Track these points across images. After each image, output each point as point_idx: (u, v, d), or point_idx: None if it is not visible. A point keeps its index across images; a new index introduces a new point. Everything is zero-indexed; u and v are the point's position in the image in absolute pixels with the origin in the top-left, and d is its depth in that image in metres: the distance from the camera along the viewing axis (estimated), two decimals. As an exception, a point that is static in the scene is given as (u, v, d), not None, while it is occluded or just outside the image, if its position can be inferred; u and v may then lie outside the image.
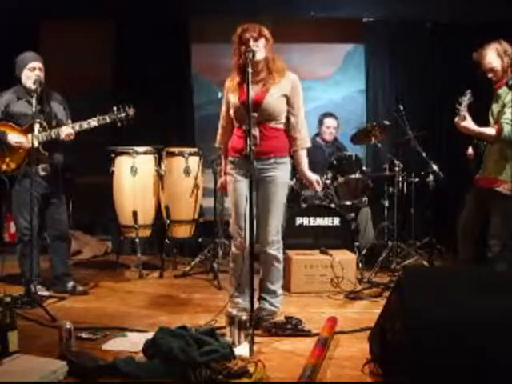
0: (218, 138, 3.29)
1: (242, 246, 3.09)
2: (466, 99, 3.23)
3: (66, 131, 3.67)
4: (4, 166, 3.71)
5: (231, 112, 3.11)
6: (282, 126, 3.08)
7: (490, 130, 3.25)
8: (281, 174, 3.08)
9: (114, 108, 3.78)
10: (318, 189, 3.30)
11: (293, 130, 3.10)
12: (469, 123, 3.22)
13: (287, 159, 3.12)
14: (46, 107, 3.75)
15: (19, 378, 2.21)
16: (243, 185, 3.07)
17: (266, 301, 3.17)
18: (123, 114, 3.78)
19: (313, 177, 3.23)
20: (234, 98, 3.08)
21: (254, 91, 2.92)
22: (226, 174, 3.24)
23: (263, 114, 2.97)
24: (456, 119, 3.26)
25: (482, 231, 3.41)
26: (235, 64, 3.04)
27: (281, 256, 3.17)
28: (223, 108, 3.22)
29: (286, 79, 3.05)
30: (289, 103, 3.07)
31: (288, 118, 3.08)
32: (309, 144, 3.20)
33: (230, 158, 3.16)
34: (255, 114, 2.91)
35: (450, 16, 5.62)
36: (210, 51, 5.91)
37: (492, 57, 3.27)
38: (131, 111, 3.80)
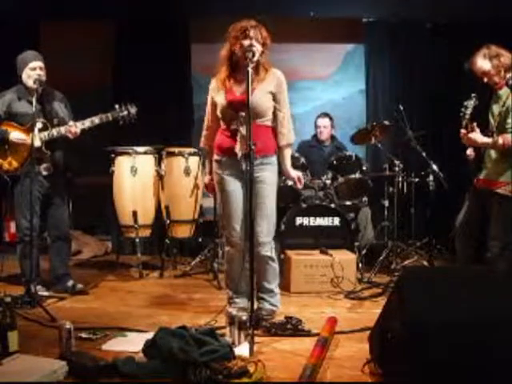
0: (203, 139, 3.28)
1: (238, 246, 3.09)
2: (471, 103, 3.24)
3: (71, 129, 3.68)
4: (6, 165, 3.71)
5: (218, 112, 3.10)
6: (269, 123, 3.10)
7: (499, 142, 3.22)
8: (269, 175, 3.09)
9: (116, 106, 3.79)
10: (300, 186, 3.32)
11: (279, 125, 3.12)
12: (477, 135, 3.23)
13: (274, 159, 3.14)
14: (47, 106, 3.76)
15: (19, 378, 2.21)
16: (232, 184, 3.09)
17: (265, 300, 3.17)
18: (125, 113, 3.79)
19: (294, 174, 3.26)
20: (220, 98, 3.07)
21: (240, 91, 2.94)
22: (210, 173, 3.25)
23: (250, 112, 2.91)
24: (462, 131, 3.26)
25: (481, 232, 3.42)
26: (227, 56, 3.05)
27: (274, 255, 3.18)
28: (208, 108, 3.21)
29: (270, 76, 3.07)
30: (275, 99, 3.09)
31: (275, 114, 3.11)
32: (293, 140, 3.22)
33: (215, 158, 3.15)
34: (243, 114, 2.93)
35: (450, 16, 5.62)
36: (210, 51, 5.85)
37: (481, 62, 3.29)
38: (133, 109, 3.82)
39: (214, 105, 3.13)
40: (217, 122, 3.17)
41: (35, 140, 3.55)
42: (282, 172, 3.28)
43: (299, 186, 3.36)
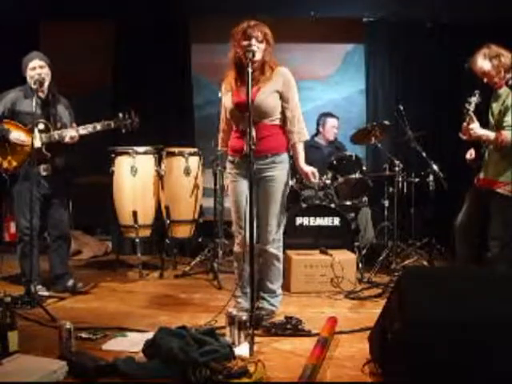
0: (220, 141, 3.33)
1: (242, 245, 3.10)
2: (474, 99, 3.23)
3: (71, 134, 3.70)
4: (6, 164, 3.71)
5: (227, 114, 3.15)
6: (278, 122, 3.09)
7: (497, 136, 3.23)
8: (279, 174, 3.09)
9: (120, 114, 3.82)
10: (314, 180, 3.26)
11: (289, 123, 3.10)
12: (476, 127, 3.22)
13: (285, 157, 3.13)
14: (51, 109, 3.77)
15: (19, 378, 2.20)
16: (242, 184, 3.09)
17: (265, 300, 3.18)
18: (128, 121, 3.81)
19: (308, 168, 3.21)
20: (227, 100, 3.11)
21: (246, 92, 2.94)
22: None
23: (256, 112, 2.94)
24: (464, 124, 3.25)
25: (481, 231, 3.42)
26: (232, 58, 3.06)
27: (281, 255, 3.19)
28: (222, 111, 3.24)
29: (276, 75, 3.06)
30: (282, 98, 3.07)
31: (283, 113, 3.09)
32: (306, 137, 3.19)
33: (229, 158, 3.20)
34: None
35: (449, 16, 5.62)
36: (210, 51, 5.91)
37: (482, 62, 3.29)
38: (136, 119, 3.84)
39: (225, 107, 3.17)
40: (230, 124, 3.20)
41: (35, 141, 3.56)
42: (295, 168, 3.26)
43: (313, 181, 3.29)
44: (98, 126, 3.76)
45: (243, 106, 2.94)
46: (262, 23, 3.02)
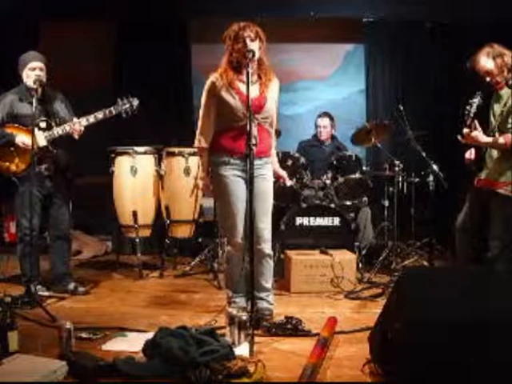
0: (201, 137, 3.19)
1: (239, 246, 3.09)
2: (476, 101, 3.23)
3: (75, 127, 3.68)
4: (13, 167, 3.72)
5: (226, 111, 3.06)
6: (268, 127, 3.19)
7: (500, 140, 3.22)
8: (269, 173, 3.21)
9: (119, 100, 3.81)
10: (288, 183, 3.74)
11: (272, 129, 3.27)
12: (479, 135, 3.22)
13: (270, 160, 3.26)
14: (48, 106, 3.77)
15: (19, 378, 2.21)
16: (238, 185, 3.08)
17: (263, 300, 3.16)
18: (128, 106, 3.80)
19: (283, 172, 3.52)
20: (230, 97, 3.03)
21: (253, 93, 2.94)
22: (209, 173, 3.19)
23: (263, 116, 3.08)
24: (465, 130, 3.24)
25: (482, 232, 3.41)
26: (227, 60, 3.06)
27: (272, 253, 3.21)
28: (207, 106, 3.12)
29: (274, 83, 3.17)
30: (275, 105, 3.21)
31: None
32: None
33: (222, 159, 3.10)
34: (258, 116, 3.01)
35: (450, 16, 5.62)
36: (210, 51, 5.87)
37: (485, 60, 3.28)
38: (135, 102, 3.84)
39: (216, 103, 3.07)
40: (216, 120, 3.12)
41: (39, 140, 3.57)
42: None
43: (288, 183, 3.72)
44: (100, 115, 3.74)
45: (255, 106, 2.95)
46: (252, 23, 3.04)
